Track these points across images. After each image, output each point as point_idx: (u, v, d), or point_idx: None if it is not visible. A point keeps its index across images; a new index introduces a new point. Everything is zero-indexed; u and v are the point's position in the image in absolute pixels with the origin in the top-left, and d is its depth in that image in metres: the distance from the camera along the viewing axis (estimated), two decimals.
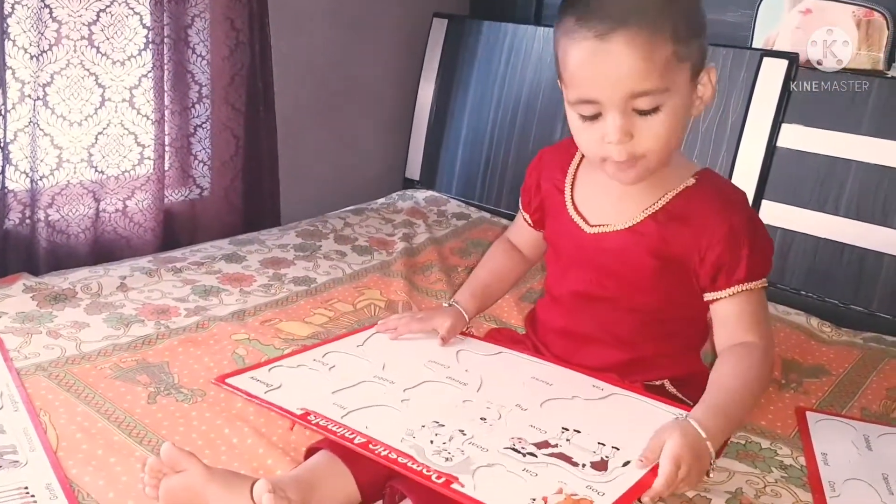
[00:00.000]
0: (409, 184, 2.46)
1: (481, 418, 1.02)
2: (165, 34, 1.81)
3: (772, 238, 1.13)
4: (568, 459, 0.93)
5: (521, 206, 1.30)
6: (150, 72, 1.81)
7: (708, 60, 1.05)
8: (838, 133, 1.74)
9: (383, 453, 0.93)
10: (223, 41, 1.90)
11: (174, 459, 0.93)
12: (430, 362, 1.17)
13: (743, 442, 1.20)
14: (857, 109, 1.72)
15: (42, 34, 1.64)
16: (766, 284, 1.09)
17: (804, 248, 1.79)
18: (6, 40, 1.60)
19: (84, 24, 1.71)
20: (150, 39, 1.79)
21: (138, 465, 1.04)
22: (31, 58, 1.64)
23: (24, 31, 1.62)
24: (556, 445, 0.96)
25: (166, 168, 1.90)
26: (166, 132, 1.87)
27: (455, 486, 0.87)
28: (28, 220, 1.72)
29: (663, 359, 1.16)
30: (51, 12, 1.65)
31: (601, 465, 0.92)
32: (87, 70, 1.73)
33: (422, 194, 2.32)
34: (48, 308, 1.48)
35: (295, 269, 1.74)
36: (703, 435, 0.94)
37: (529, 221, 1.29)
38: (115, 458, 1.06)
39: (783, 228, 1.81)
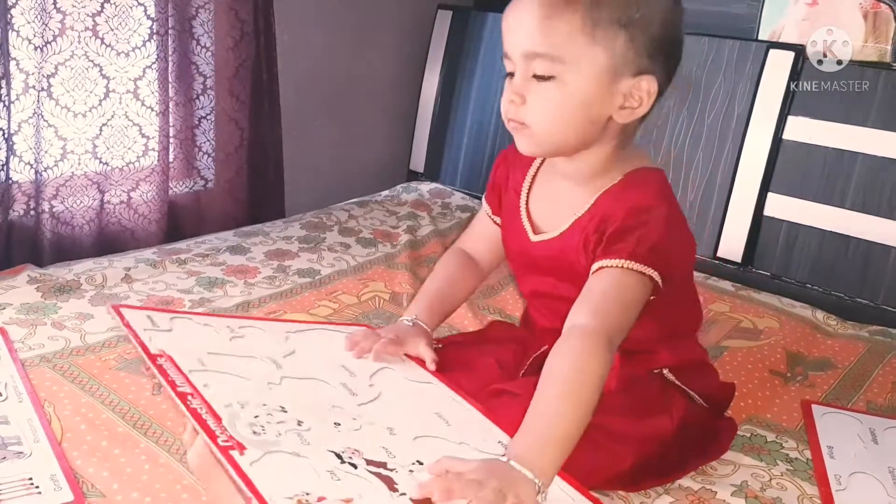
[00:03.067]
0: (413, 176, 2.46)
1: (335, 423, 0.92)
2: (170, 25, 1.81)
3: (693, 242, 1.09)
4: (391, 485, 0.82)
5: (487, 207, 1.24)
6: (154, 63, 1.81)
7: (682, 66, 1.02)
8: (844, 125, 1.73)
9: (193, 405, 0.87)
10: (228, 32, 1.90)
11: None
12: (340, 366, 1.08)
13: (748, 435, 1.19)
14: (863, 102, 1.71)
15: (46, 25, 1.64)
16: (653, 279, 0.99)
17: (810, 240, 1.78)
18: (10, 31, 1.60)
19: (88, 15, 1.71)
20: (155, 30, 1.79)
21: (143, 457, 1.04)
22: (36, 49, 1.63)
23: (28, 22, 1.62)
24: (392, 470, 0.84)
25: (171, 160, 1.90)
26: (171, 123, 1.87)
27: (234, 452, 0.79)
28: (32, 212, 1.72)
29: (656, 346, 1.13)
30: (55, 3, 1.65)
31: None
32: (92, 61, 1.73)
33: (426, 186, 2.32)
34: (53, 299, 1.48)
35: (299, 262, 1.74)
36: (506, 460, 0.85)
37: (498, 222, 1.23)
38: (119, 450, 1.06)
39: (789, 221, 1.80)
